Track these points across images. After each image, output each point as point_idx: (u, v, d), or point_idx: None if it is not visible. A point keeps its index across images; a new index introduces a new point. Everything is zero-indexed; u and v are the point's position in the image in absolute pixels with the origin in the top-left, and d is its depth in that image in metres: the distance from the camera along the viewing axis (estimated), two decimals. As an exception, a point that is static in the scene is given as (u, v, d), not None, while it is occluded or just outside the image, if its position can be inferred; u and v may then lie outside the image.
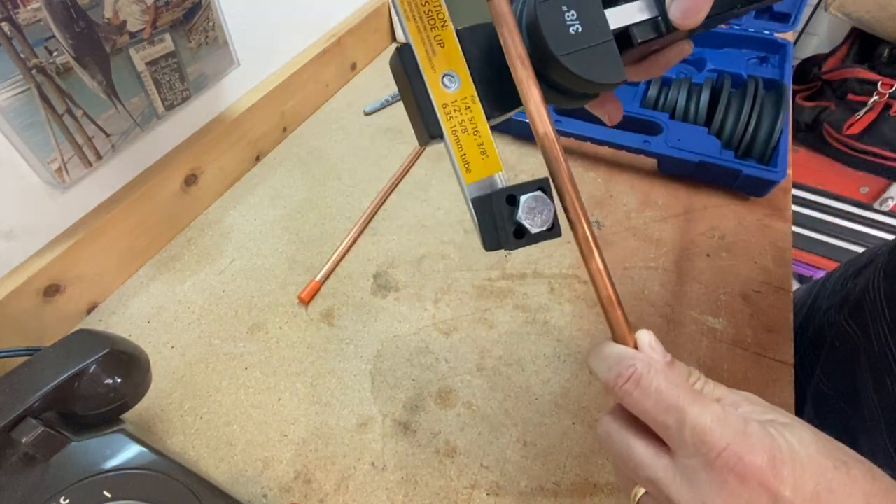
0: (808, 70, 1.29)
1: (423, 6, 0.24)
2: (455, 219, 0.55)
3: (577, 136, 0.58)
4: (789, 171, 0.53)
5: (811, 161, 1.30)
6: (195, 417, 0.41)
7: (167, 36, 0.46)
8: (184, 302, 0.49)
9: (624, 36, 0.23)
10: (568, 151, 0.62)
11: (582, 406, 0.41)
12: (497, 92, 0.25)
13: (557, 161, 0.23)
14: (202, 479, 0.32)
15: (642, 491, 0.23)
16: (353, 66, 0.75)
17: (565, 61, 0.22)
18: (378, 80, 0.75)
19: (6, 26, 0.35)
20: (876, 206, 1.34)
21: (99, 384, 0.33)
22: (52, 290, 0.44)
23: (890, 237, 1.39)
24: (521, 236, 0.23)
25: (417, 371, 0.44)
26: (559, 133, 0.59)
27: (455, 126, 0.24)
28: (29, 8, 0.35)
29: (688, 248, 0.52)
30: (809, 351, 0.52)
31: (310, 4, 0.66)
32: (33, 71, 0.37)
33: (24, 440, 0.29)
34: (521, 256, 0.51)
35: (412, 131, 0.27)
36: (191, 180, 0.54)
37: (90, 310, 0.48)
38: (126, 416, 0.35)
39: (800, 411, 0.48)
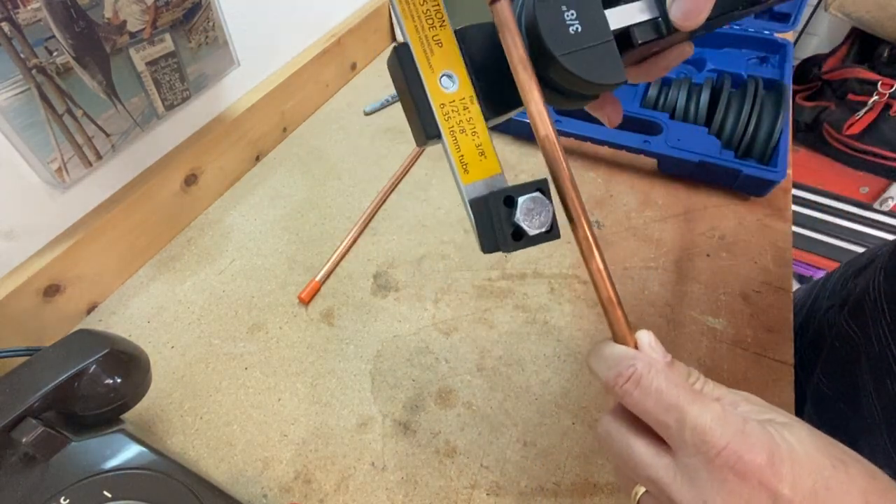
0: (808, 70, 1.29)
1: (422, 5, 0.24)
2: (455, 219, 0.55)
3: (577, 136, 0.58)
4: (789, 171, 0.53)
5: (811, 161, 1.30)
6: (195, 417, 0.41)
7: (167, 36, 0.46)
8: (184, 302, 0.49)
9: (624, 37, 0.23)
10: (568, 151, 0.62)
11: (582, 406, 0.41)
12: (496, 93, 0.25)
13: (558, 163, 0.23)
14: (202, 479, 0.32)
15: (643, 490, 0.23)
16: (353, 66, 0.75)
17: (564, 61, 0.22)
18: (378, 80, 0.75)
19: (6, 26, 0.35)
20: (876, 206, 1.34)
21: (99, 384, 0.33)
22: (52, 290, 0.44)
23: (890, 237, 1.39)
24: (519, 238, 0.22)
25: (417, 371, 0.44)
26: (559, 133, 0.59)
27: (453, 126, 0.24)
28: (29, 8, 0.35)
29: (688, 248, 0.52)
30: (809, 351, 0.52)
31: (310, 4, 0.66)
32: (33, 71, 0.37)
33: (24, 440, 0.29)
34: (522, 256, 0.51)
35: (411, 132, 0.26)
36: (191, 180, 0.54)
37: (90, 310, 0.48)
38: (126, 416, 0.35)
39: (800, 411, 0.48)
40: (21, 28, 0.36)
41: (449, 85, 0.24)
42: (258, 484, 0.38)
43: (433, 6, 0.24)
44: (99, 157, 0.44)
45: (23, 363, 0.33)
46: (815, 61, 1.29)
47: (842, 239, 1.45)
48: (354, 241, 0.53)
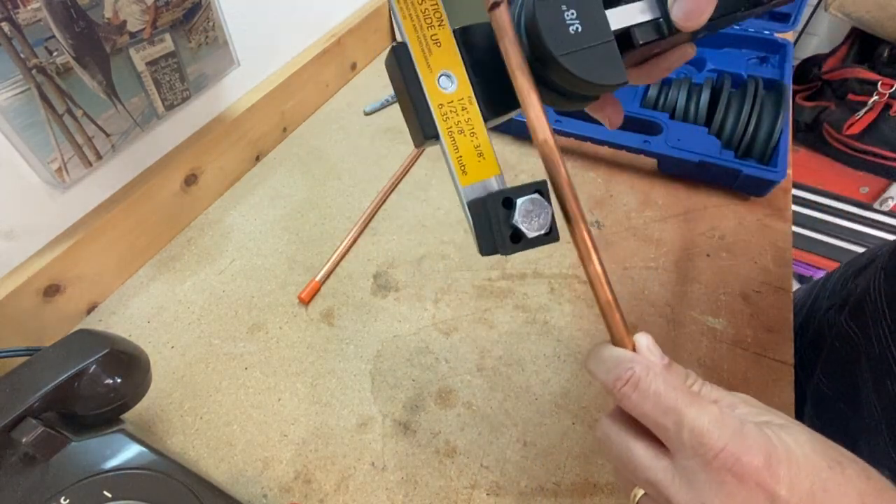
0: (808, 70, 1.29)
1: (420, 4, 0.24)
2: (455, 219, 0.55)
3: (577, 136, 0.58)
4: (789, 171, 0.53)
5: (811, 161, 1.30)
6: (195, 417, 0.41)
7: (167, 36, 0.46)
8: (184, 302, 0.49)
9: (625, 37, 0.23)
10: (568, 151, 0.62)
11: (582, 406, 0.41)
12: (495, 93, 0.25)
13: (556, 166, 0.23)
14: (202, 479, 0.32)
15: (641, 492, 0.23)
16: (353, 66, 0.75)
17: (564, 61, 0.22)
18: (378, 80, 0.75)
19: (6, 26, 0.35)
20: (876, 206, 1.34)
21: (99, 384, 0.33)
22: (52, 290, 0.44)
23: (890, 237, 1.39)
24: (518, 241, 0.22)
25: (417, 371, 0.44)
26: (559, 133, 0.59)
27: (451, 127, 0.24)
28: (29, 8, 0.35)
29: (688, 248, 0.52)
30: (810, 351, 0.52)
31: (310, 4, 0.66)
32: (33, 71, 0.37)
33: (24, 440, 0.29)
34: (521, 256, 0.51)
35: (410, 132, 0.26)
36: (191, 180, 0.54)
37: (90, 310, 0.48)
38: (126, 416, 0.35)
39: (800, 411, 0.48)
40: (21, 28, 0.36)
41: (447, 85, 0.24)
42: (258, 484, 0.38)
43: (431, 5, 0.24)
44: (99, 157, 0.44)
45: (23, 363, 0.33)
46: (815, 61, 1.29)
47: (842, 239, 1.45)
48: (354, 241, 0.53)
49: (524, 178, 0.22)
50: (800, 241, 1.48)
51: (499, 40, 0.23)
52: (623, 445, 0.23)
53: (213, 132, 0.55)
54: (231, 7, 0.51)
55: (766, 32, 0.70)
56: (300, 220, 0.56)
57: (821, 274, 1.04)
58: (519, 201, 0.22)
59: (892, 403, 0.41)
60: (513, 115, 0.27)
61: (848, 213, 1.39)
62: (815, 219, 1.43)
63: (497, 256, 0.23)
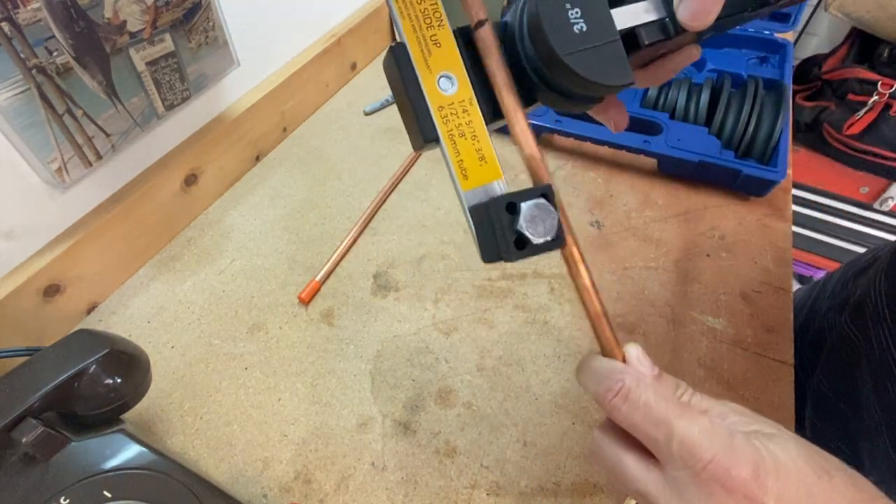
0: (808, 70, 1.29)
1: (419, 4, 0.23)
2: (455, 219, 0.55)
3: (577, 136, 0.58)
4: (789, 171, 0.53)
5: (811, 161, 1.30)
6: (195, 417, 0.41)
7: (167, 36, 0.46)
8: (184, 302, 0.49)
9: (630, 38, 0.22)
10: (568, 151, 0.62)
11: (582, 406, 0.41)
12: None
13: (543, 181, 0.23)
14: (202, 479, 0.32)
15: (633, 503, 0.23)
16: (353, 66, 0.75)
17: (569, 61, 0.21)
18: (378, 80, 0.75)
19: (6, 26, 0.35)
20: (876, 206, 1.34)
21: (99, 384, 0.33)
22: (52, 290, 0.44)
23: (890, 237, 1.39)
24: (523, 247, 0.21)
25: (417, 371, 0.44)
26: (559, 133, 0.59)
27: (452, 130, 0.23)
28: (29, 8, 0.35)
29: (688, 248, 0.52)
30: (810, 352, 0.52)
31: (310, 4, 0.66)
32: (33, 71, 0.37)
33: (24, 440, 0.29)
34: (521, 256, 0.51)
35: (410, 133, 0.26)
36: (191, 180, 0.54)
37: (90, 310, 0.48)
38: (126, 416, 0.35)
39: (800, 412, 0.48)
40: (21, 28, 0.36)
41: (448, 87, 0.23)
42: (258, 484, 0.38)
43: (431, 5, 0.23)
44: (99, 157, 0.44)
45: (23, 363, 0.33)
46: (815, 61, 1.29)
47: (842, 239, 1.45)
48: (354, 241, 0.53)
49: (526, 179, 0.22)
50: (800, 241, 1.48)
51: (484, 59, 0.23)
52: (614, 457, 0.23)
53: (213, 132, 0.55)
54: (231, 7, 0.51)
55: (766, 32, 0.70)
56: (300, 220, 0.56)
57: (821, 274, 1.04)
58: (523, 206, 0.21)
59: (893, 405, 0.41)
60: None
61: (848, 213, 1.39)
62: (815, 219, 1.43)
63: (497, 256, 0.22)
